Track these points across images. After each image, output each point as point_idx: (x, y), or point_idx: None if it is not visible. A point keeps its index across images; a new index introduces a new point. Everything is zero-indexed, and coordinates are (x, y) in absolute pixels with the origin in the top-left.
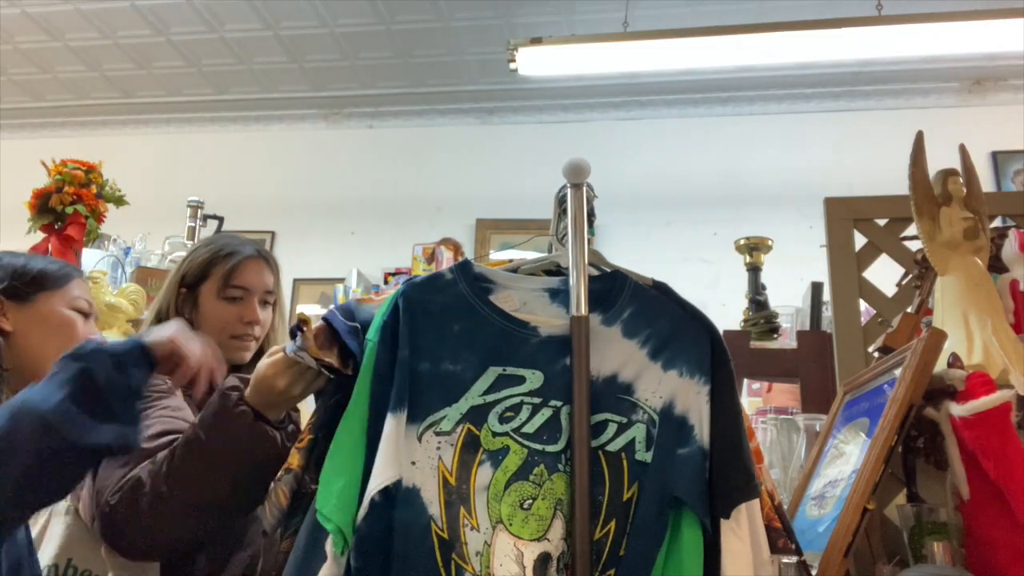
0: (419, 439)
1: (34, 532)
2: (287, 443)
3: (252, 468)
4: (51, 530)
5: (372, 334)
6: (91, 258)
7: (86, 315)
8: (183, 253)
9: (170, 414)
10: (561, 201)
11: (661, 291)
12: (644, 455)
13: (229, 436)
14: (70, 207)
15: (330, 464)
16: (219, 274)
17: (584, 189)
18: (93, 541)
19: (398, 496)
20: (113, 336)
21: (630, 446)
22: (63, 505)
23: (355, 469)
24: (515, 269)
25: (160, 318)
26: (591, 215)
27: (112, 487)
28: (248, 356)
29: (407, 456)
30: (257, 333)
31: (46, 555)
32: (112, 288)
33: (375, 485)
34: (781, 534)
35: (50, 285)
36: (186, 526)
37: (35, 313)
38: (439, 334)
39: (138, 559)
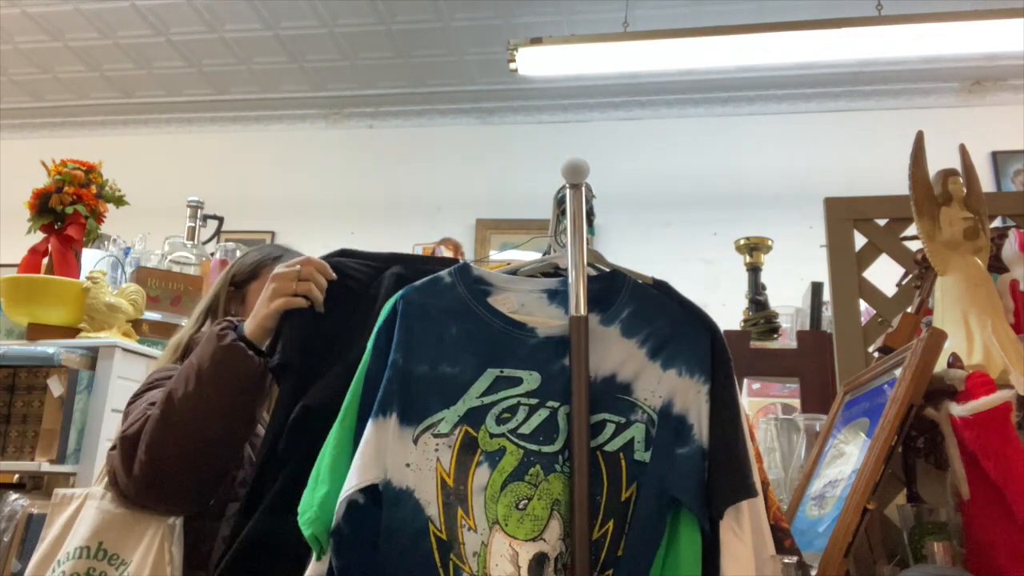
0: (415, 441)
1: (67, 514)
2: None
3: (234, 387)
4: (84, 513)
5: (371, 340)
6: (91, 258)
7: None
8: (184, 253)
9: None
10: (560, 202)
11: (661, 290)
12: (643, 455)
13: (212, 355)
14: (70, 207)
15: (316, 468)
16: (267, 273)
17: (583, 189)
18: (124, 527)
19: (388, 497)
20: (112, 336)
21: (628, 446)
22: (97, 490)
23: (339, 478)
24: (514, 271)
25: (208, 313)
26: (590, 215)
27: (125, 427)
28: None
29: (400, 459)
30: None
31: (78, 536)
32: (112, 288)
33: (351, 486)
34: (788, 534)
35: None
36: (191, 444)
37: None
38: (437, 337)
39: (150, 491)
